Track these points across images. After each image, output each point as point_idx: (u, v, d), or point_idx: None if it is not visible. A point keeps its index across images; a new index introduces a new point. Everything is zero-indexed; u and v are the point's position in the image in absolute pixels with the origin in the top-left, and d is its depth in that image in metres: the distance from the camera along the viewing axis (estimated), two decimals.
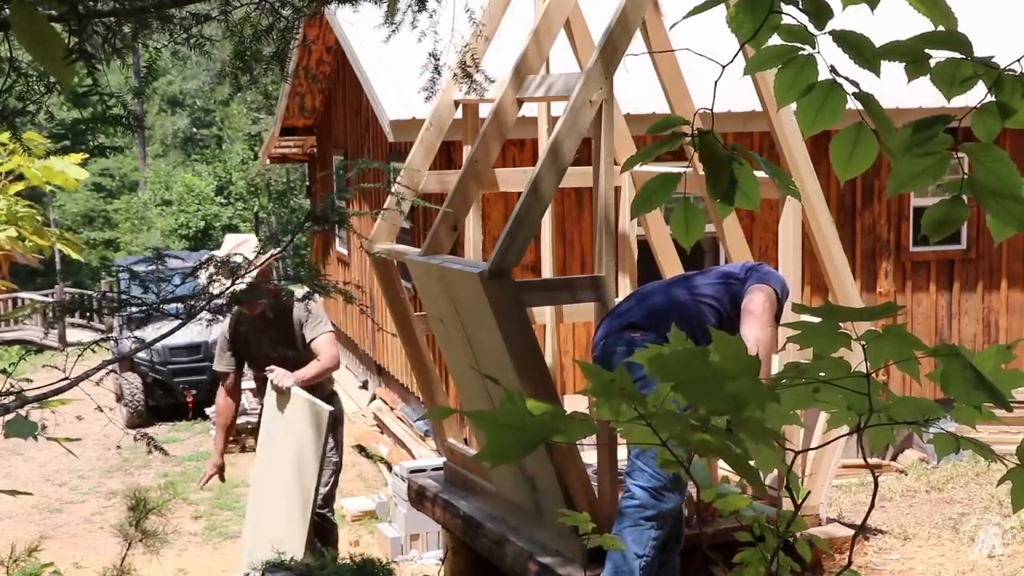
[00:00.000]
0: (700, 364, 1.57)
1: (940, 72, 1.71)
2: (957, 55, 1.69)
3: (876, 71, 1.74)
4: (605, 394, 1.63)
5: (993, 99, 1.70)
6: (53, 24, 2.15)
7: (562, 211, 9.88)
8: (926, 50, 1.70)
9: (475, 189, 5.51)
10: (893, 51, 1.71)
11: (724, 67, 1.83)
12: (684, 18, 1.87)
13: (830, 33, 1.74)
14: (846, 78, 1.75)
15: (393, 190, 5.40)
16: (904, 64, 1.73)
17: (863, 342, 1.72)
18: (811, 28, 1.75)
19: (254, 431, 7.27)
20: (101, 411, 3.92)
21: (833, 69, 1.75)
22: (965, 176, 1.72)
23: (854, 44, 1.72)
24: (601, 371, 1.62)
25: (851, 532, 5.51)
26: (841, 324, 1.80)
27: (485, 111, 5.67)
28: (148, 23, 2.91)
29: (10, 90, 2.73)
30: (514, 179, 6.15)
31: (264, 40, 3.89)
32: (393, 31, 4.37)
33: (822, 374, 1.75)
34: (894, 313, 1.74)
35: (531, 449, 1.56)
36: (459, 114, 5.97)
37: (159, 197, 33.09)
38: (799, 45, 1.75)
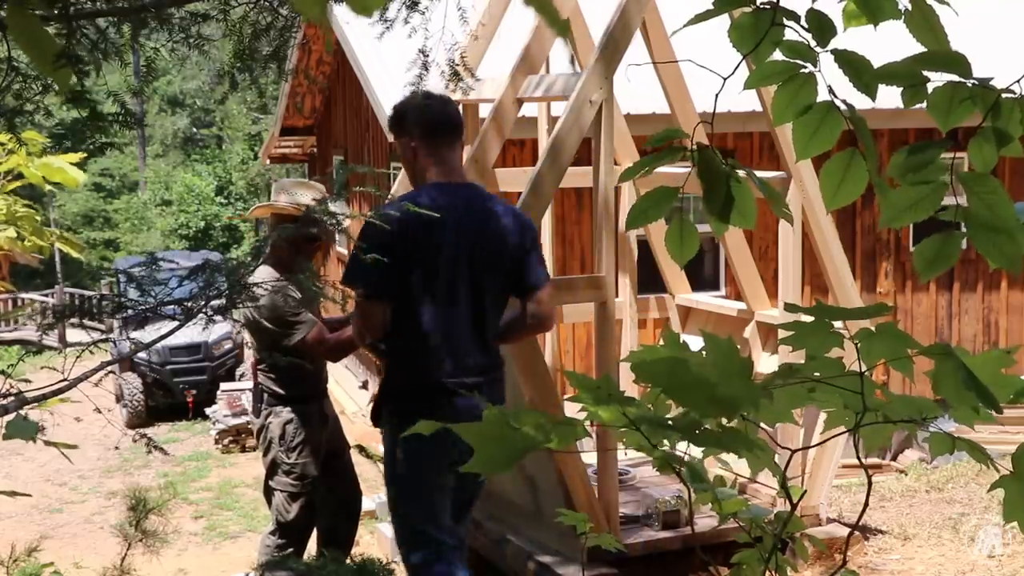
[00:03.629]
0: (686, 371, 1.57)
1: (936, 101, 1.66)
2: (955, 77, 1.64)
3: (872, 96, 1.70)
4: (594, 401, 1.63)
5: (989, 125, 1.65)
6: (46, 26, 2.14)
7: (562, 211, 9.87)
8: (924, 72, 1.67)
9: None
10: (891, 74, 1.66)
11: (725, 80, 1.81)
12: (684, 26, 1.85)
13: (831, 52, 1.71)
14: (844, 100, 1.72)
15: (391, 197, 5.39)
16: (901, 89, 1.68)
17: (856, 341, 1.71)
18: (813, 45, 1.72)
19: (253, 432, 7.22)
20: (100, 412, 3.91)
21: (831, 90, 1.73)
22: (958, 205, 1.68)
23: (854, 66, 1.69)
24: (587, 378, 1.64)
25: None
26: (838, 324, 1.79)
27: (485, 111, 5.67)
28: (146, 23, 2.91)
29: (8, 89, 2.72)
30: (514, 179, 6.15)
31: (263, 39, 3.89)
32: (387, 28, 4.38)
33: (816, 374, 1.74)
34: (885, 313, 1.73)
35: (518, 459, 1.57)
36: None
37: (159, 197, 33.10)
38: (800, 63, 1.73)
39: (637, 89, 7.09)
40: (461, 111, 5.96)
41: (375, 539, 9.09)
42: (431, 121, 3.83)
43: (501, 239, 3.77)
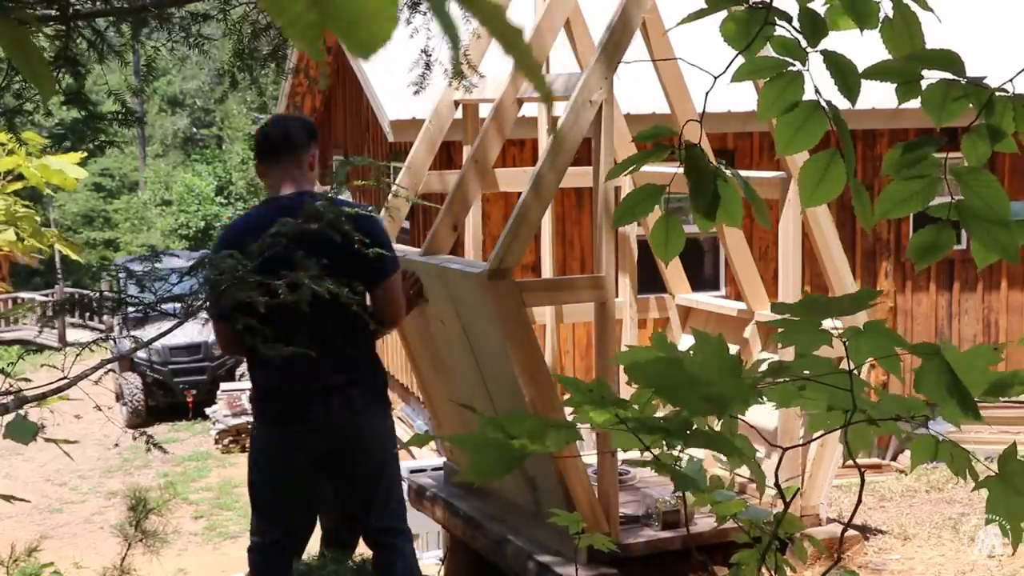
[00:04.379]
0: (678, 372, 1.57)
1: (930, 97, 1.67)
2: (948, 75, 1.64)
3: (853, 100, 1.71)
4: (587, 403, 1.63)
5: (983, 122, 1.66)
6: (43, 28, 2.14)
7: (562, 211, 9.87)
8: (918, 70, 1.67)
9: (475, 189, 5.51)
10: (883, 72, 1.67)
11: (716, 78, 1.81)
12: (679, 24, 1.85)
13: (821, 52, 1.72)
14: (828, 101, 1.73)
15: (392, 190, 5.39)
16: (895, 86, 1.69)
17: (844, 339, 1.71)
18: (803, 44, 1.73)
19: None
20: (100, 411, 3.91)
21: (817, 91, 1.73)
22: (953, 200, 1.68)
23: (841, 68, 1.70)
24: (580, 381, 1.64)
25: (852, 532, 5.51)
26: (831, 322, 1.78)
27: (485, 111, 5.67)
28: (146, 22, 2.91)
29: (8, 88, 2.72)
30: (514, 179, 6.15)
31: (262, 39, 3.89)
32: None
33: (805, 372, 1.74)
34: (874, 300, 1.73)
35: (514, 467, 1.57)
36: (459, 114, 5.96)
37: (159, 197, 33.09)
38: (790, 60, 1.73)
39: (637, 89, 7.10)
40: (460, 111, 5.98)
41: None
42: (256, 144, 4.22)
43: (325, 242, 3.68)
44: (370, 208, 4.10)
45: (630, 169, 1.85)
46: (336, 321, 3.89)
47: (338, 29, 0.88)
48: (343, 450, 4.13)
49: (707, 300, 6.88)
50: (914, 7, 1.74)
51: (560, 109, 4.84)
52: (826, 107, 1.71)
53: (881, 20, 1.74)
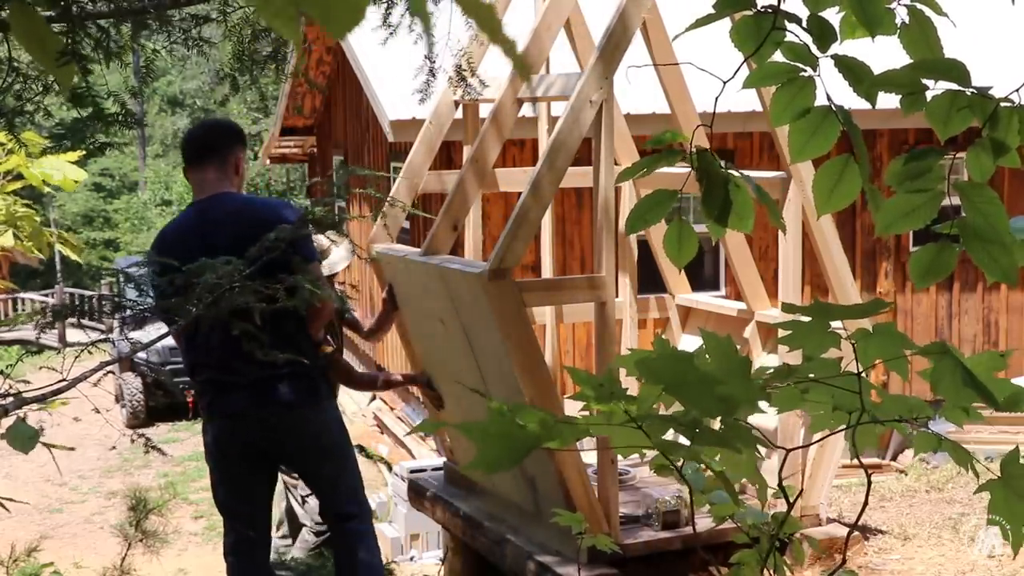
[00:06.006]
0: (689, 369, 1.57)
1: (935, 108, 1.65)
2: (954, 86, 1.63)
3: (873, 103, 1.70)
4: (596, 399, 1.63)
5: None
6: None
7: (562, 211, 9.87)
8: (923, 80, 1.66)
9: (475, 189, 5.51)
10: (889, 81, 1.65)
11: (725, 83, 1.81)
12: (686, 31, 1.85)
13: (831, 57, 1.71)
14: (840, 107, 1.72)
15: (389, 199, 5.40)
16: (900, 97, 1.68)
17: (853, 341, 1.71)
18: (814, 49, 1.72)
19: None
20: (98, 412, 3.93)
21: (829, 97, 1.72)
22: (955, 218, 1.67)
23: (854, 71, 1.69)
24: (590, 375, 1.63)
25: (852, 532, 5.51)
26: (837, 323, 1.78)
27: (485, 111, 5.67)
28: (146, 24, 2.91)
29: (8, 89, 2.73)
30: (514, 179, 6.15)
31: (262, 40, 3.90)
32: (391, 34, 4.39)
33: (812, 375, 1.74)
34: (883, 309, 1.73)
35: (522, 458, 1.56)
36: (459, 114, 5.96)
37: (159, 197, 33.09)
38: (800, 65, 1.73)
39: (637, 89, 7.09)
40: (460, 112, 5.99)
41: None
42: (182, 149, 4.28)
43: (244, 238, 3.56)
44: (294, 204, 4.14)
45: (640, 173, 1.84)
46: (261, 315, 3.76)
47: (311, 9, 0.91)
48: (278, 445, 4.16)
49: (707, 300, 6.88)
50: (928, 12, 1.73)
51: (560, 109, 4.85)
52: (838, 112, 1.70)
53: (899, 25, 1.73)
